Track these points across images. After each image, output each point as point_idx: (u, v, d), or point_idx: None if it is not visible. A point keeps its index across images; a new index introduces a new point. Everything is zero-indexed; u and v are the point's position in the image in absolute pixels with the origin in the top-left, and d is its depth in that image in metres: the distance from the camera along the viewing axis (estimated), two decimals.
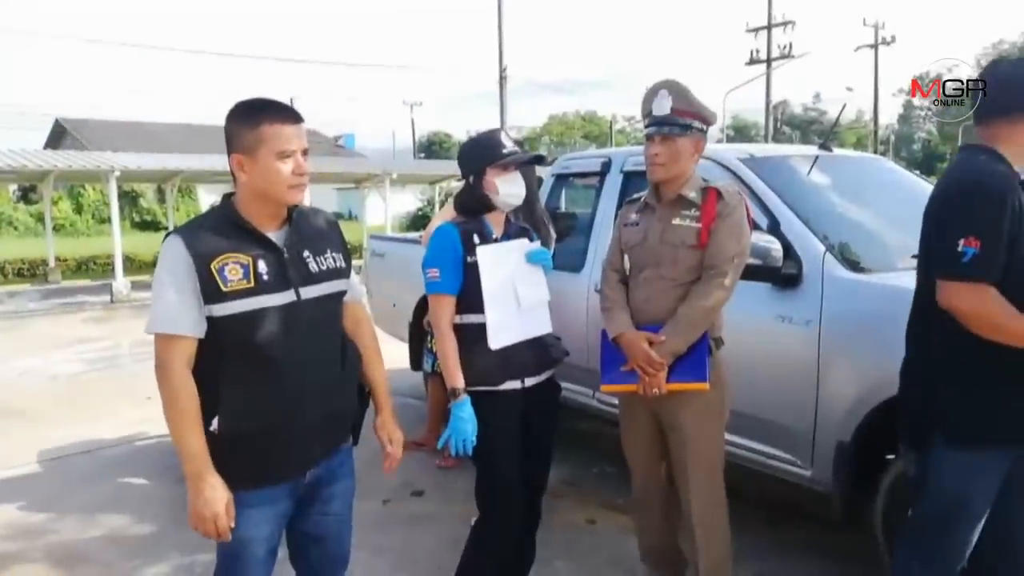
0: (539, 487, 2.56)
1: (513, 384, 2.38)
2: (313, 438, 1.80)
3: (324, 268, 1.80)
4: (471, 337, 2.36)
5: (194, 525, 1.67)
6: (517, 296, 2.40)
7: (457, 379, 2.32)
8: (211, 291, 1.63)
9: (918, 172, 4.42)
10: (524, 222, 2.78)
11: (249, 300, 1.65)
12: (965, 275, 1.78)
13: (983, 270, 1.76)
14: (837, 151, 3.83)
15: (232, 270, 1.64)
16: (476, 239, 2.37)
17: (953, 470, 1.90)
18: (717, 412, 2.45)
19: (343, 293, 1.89)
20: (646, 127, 2.45)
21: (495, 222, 2.46)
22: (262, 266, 1.68)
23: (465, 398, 2.31)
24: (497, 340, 2.35)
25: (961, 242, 1.77)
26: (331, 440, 1.88)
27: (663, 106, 2.37)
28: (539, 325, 2.48)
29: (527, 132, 55.11)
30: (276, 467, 1.75)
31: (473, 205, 2.45)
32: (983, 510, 1.92)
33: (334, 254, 1.85)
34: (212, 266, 1.63)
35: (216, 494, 1.64)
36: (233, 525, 1.67)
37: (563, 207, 4.57)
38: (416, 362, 4.93)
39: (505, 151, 2.40)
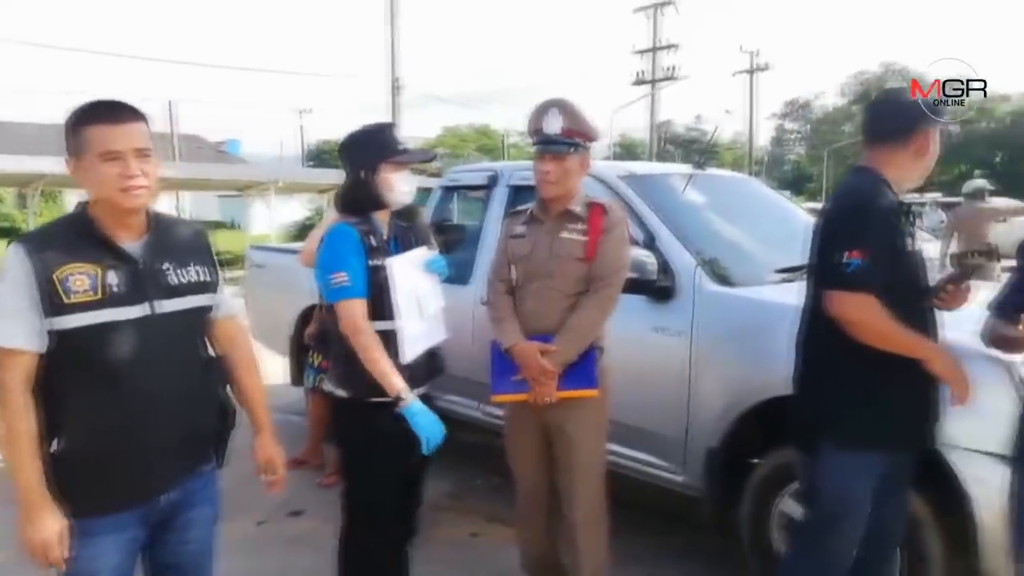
0: (417, 501, 2.51)
1: None
2: (166, 460, 1.70)
3: (186, 281, 1.71)
4: None
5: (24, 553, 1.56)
6: (420, 306, 2.34)
7: (398, 384, 2.17)
8: (53, 303, 1.53)
9: (788, 192, 4.72)
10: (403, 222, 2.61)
11: (96, 313, 1.56)
12: (850, 285, 1.92)
13: (866, 280, 1.91)
14: (711, 170, 4.03)
15: (78, 281, 1.54)
16: (372, 241, 2.26)
17: (839, 472, 2.05)
18: (602, 417, 2.53)
19: (208, 308, 1.80)
20: (535, 143, 2.50)
21: (382, 222, 2.36)
22: (112, 277, 1.58)
23: (414, 399, 2.19)
24: (410, 353, 2.28)
25: (847, 254, 1.92)
26: (188, 463, 1.78)
27: (553, 125, 2.43)
28: (438, 334, 2.45)
29: (420, 143, 54.47)
30: (124, 491, 1.64)
31: (364, 202, 2.31)
32: (866, 509, 2.06)
33: (198, 267, 1.76)
34: (55, 276, 1.53)
35: (47, 524, 1.53)
36: (67, 554, 1.56)
37: (454, 219, 4.56)
38: (297, 377, 4.76)
39: (402, 147, 2.33)
